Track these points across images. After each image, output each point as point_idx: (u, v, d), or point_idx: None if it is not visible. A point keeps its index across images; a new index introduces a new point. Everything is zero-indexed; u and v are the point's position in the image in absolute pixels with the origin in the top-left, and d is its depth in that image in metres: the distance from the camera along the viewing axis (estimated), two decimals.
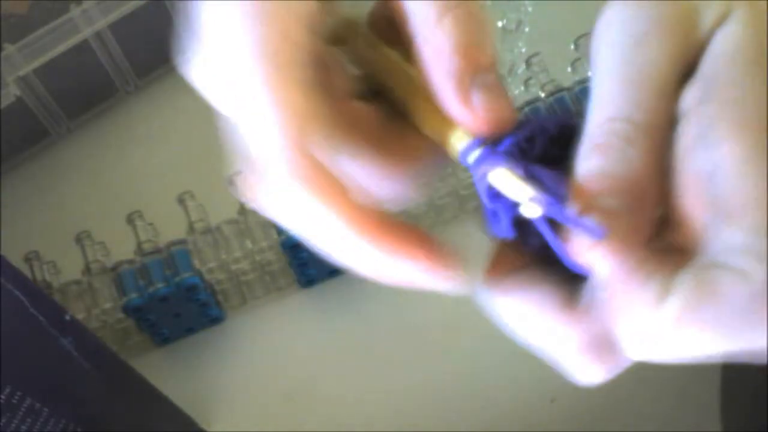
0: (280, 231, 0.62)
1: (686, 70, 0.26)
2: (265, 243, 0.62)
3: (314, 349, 0.67)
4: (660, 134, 0.25)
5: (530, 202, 0.25)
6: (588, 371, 0.27)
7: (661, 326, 0.24)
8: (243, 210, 0.63)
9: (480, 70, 0.27)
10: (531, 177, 0.25)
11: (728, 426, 0.57)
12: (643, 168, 0.25)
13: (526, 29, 0.73)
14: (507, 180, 0.25)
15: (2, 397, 0.43)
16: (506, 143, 0.26)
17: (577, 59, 0.65)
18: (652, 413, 0.62)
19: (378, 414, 0.64)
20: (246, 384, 0.66)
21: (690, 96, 0.25)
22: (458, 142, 0.27)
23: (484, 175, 0.26)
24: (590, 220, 0.24)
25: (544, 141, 0.26)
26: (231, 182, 0.64)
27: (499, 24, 0.73)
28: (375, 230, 0.28)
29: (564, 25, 0.72)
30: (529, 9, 0.73)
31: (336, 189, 0.27)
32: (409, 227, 0.29)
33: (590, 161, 0.25)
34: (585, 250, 0.25)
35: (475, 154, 0.26)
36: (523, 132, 0.26)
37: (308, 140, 0.27)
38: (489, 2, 0.73)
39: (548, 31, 0.73)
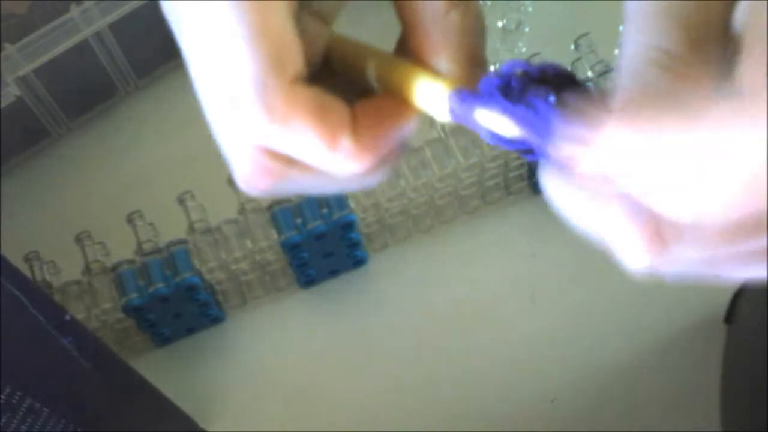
0: (280, 231, 0.62)
1: None
2: (265, 243, 0.62)
3: (314, 349, 0.67)
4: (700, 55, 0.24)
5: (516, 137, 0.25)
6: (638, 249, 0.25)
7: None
8: (243, 210, 0.63)
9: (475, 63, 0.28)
10: (510, 112, 0.25)
11: (728, 426, 0.57)
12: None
13: (526, 29, 0.73)
14: (490, 118, 0.26)
15: (2, 397, 0.43)
16: (485, 85, 0.26)
17: (577, 59, 0.65)
18: (652, 413, 0.62)
19: (378, 414, 0.64)
20: (246, 384, 0.66)
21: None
22: (442, 95, 0.28)
23: (472, 118, 0.26)
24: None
25: (524, 81, 0.26)
26: (231, 182, 0.64)
27: (499, 24, 0.73)
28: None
29: (564, 25, 0.72)
30: (529, 9, 0.73)
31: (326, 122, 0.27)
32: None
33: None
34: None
35: (457, 101, 0.27)
36: (501, 75, 0.26)
37: (287, 73, 0.26)
38: (489, 2, 0.73)
39: (548, 31, 0.73)
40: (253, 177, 0.29)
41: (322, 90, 0.28)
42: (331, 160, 0.27)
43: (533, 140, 0.25)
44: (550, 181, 0.27)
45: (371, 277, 0.68)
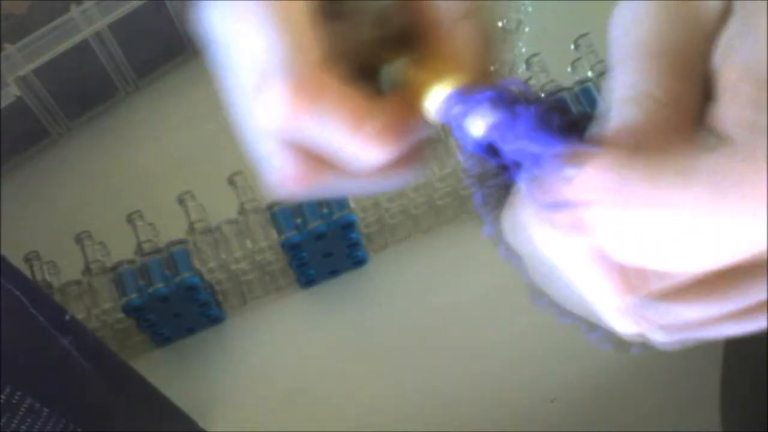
0: (280, 231, 0.62)
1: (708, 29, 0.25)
2: (265, 243, 0.62)
3: (314, 349, 0.67)
4: (686, 100, 0.25)
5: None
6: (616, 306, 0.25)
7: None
8: (243, 210, 0.63)
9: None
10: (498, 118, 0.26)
11: (728, 426, 0.57)
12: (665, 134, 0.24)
13: (526, 29, 0.73)
14: (476, 124, 0.26)
15: (2, 397, 0.43)
16: (481, 94, 0.27)
17: (577, 59, 0.65)
18: (652, 413, 0.62)
19: (378, 414, 0.64)
20: (246, 384, 0.66)
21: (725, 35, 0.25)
22: (437, 96, 0.28)
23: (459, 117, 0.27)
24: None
25: (518, 98, 0.27)
26: (231, 182, 0.64)
27: (499, 24, 0.73)
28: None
29: (564, 25, 0.72)
30: (529, 9, 0.73)
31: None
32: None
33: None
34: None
35: (450, 103, 0.28)
36: (499, 87, 0.27)
37: (310, 63, 0.27)
38: (489, 2, 0.73)
39: (548, 31, 0.73)
40: (281, 176, 0.29)
41: (347, 79, 0.28)
42: (354, 143, 0.28)
43: (514, 155, 0.25)
44: (524, 216, 0.27)
45: (371, 277, 0.68)
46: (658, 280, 0.24)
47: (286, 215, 0.62)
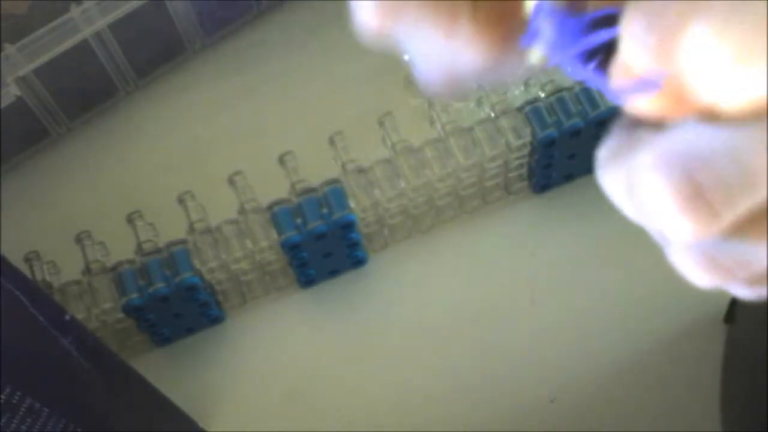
0: (280, 231, 0.62)
1: None
2: (265, 243, 0.62)
3: (314, 349, 0.67)
4: None
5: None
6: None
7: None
8: (243, 210, 0.63)
9: None
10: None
11: (728, 426, 0.57)
12: None
13: None
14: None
15: (2, 397, 0.43)
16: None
17: None
18: (652, 413, 0.62)
19: (378, 414, 0.64)
20: (246, 384, 0.66)
21: None
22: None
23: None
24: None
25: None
26: (231, 182, 0.64)
27: None
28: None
29: None
30: None
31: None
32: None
33: None
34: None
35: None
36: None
37: None
38: None
39: None
40: (367, 13, 0.28)
41: None
42: (451, 36, 0.27)
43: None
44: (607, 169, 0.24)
45: (371, 277, 0.68)
46: (729, 209, 0.21)
47: (286, 215, 0.62)
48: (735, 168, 0.21)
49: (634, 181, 0.23)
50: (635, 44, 0.22)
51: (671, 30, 0.21)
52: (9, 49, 0.66)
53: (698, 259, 0.23)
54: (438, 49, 0.27)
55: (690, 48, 0.21)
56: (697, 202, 0.21)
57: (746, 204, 0.21)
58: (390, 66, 0.73)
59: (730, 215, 0.21)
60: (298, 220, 0.62)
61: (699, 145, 0.21)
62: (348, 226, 0.62)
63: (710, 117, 0.22)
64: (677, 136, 0.22)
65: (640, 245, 0.66)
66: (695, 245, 0.23)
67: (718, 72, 0.21)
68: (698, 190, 0.21)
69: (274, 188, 0.64)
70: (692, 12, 0.21)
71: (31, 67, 0.67)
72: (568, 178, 0.68)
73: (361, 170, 0.63)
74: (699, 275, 0.23)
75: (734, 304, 0.61)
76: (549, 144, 0.63)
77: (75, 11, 0.66)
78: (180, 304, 0.63)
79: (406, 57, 0.29)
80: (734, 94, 0.21)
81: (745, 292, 0.24)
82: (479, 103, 0.67)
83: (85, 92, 0.74)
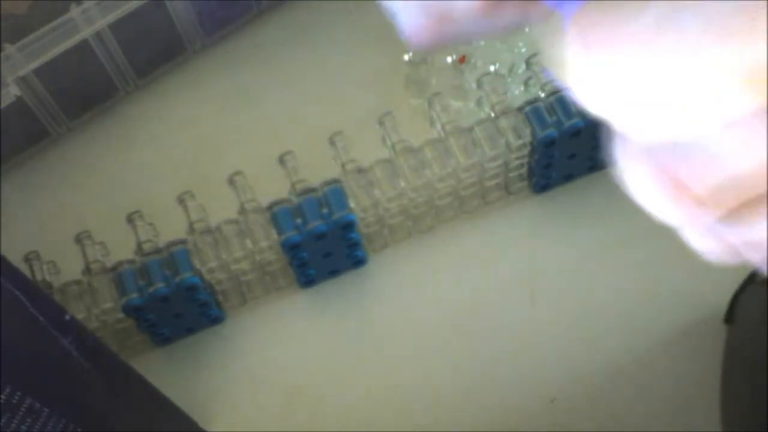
0: (280, 231, 0.62)
1: None
2: (265, 243, 0.62)
3: (314, 349, 0.67)
4: None
5: None
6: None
7: None
8: (243, 210, 0.63)
9: None
10: None
11: (728, 426, 0.57)
12: None
13: (526, 29, 0.73)
14: None
15: (2, 397, 0.43)
16: None
17: None
18: (652, 413, 0.62)
19: (378, 414, 0.64)
20: (246, 384, 0.66)
21: None
22: None
23: None
24: None
25: None
26: (231, 182, 0.64)
27: None
28: None
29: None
30: None
31: None
32: None
33: None
34: None
35: None
36: None
37: None
38: None
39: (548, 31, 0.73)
40: (413, 28, 0.28)
41: None
42: None
43: None
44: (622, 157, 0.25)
45: (371, 277, 0.68)
46: (732, 196, 0.22)
47: (286, 215, 0.62)
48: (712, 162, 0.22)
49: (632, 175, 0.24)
50: None
51: None
52: (9, 49, 0.66)
53: (710, 240, 0.24)
54: None
55: None
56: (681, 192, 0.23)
57: (733, 193, 0.22)
58: (390, 66, 0.73)
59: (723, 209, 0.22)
60: (298, 220, 0.62)
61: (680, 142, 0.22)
62: (348, 226, 0.62)
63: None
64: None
65: (640, 245, 0.67)
66: (705, 229, 0.24)
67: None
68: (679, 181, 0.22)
69: (274, 188, 0.64)
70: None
71: (31, 67, 0.67)
72: (568, 178, 0.68)
73: (361, 170, 0.63)
74: (713, 254, 0.25)
75: (734, 304, 0.61)
76: (549, 144, 0.63)
77: (75, 11, 0.66)
78: (180, 304, 0.63)
79: (401, 34, 0.29)
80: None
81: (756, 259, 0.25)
82: (479, 103, 0.67)
83: (85, 92, 0.74)
